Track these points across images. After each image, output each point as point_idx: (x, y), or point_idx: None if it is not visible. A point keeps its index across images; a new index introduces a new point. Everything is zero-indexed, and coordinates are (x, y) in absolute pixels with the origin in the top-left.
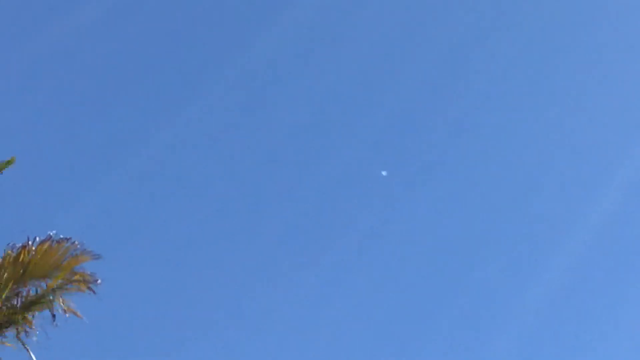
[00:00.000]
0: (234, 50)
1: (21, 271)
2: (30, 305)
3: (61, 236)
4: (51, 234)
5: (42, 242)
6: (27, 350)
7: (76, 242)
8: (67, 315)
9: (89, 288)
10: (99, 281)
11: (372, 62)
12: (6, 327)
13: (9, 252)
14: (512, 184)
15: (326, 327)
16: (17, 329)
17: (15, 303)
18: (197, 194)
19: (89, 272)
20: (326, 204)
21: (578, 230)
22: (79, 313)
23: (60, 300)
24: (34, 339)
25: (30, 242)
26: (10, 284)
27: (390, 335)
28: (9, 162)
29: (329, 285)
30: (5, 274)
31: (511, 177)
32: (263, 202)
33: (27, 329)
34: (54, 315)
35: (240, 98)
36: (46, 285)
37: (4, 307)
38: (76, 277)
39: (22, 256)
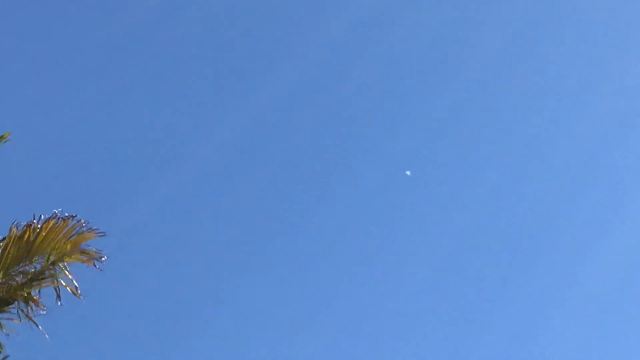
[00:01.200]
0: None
1: (26, 249)
2: (34, 281)
3: (66, 214)
4: (56, 211)
5: (47, 220)
6: (36, 324)
7: (81, 220)
8: (71, 291)
9: (94, 265)
10: (105, 258)
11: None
12: (10, 304)
13: (14, 230)
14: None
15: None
16: (21, 305)
17: (20, 280)
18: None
19: (94, 249)
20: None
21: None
22: (79, 292)
23: (65, 275)
24: (42, 313)
25: (35, 220)
26: (14, 262)
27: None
28: (2, 137)
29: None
30: (10, 252)
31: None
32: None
33: (33, 307)
34: (58, 295)
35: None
36: (51, 262)
37: (9, 284)
38: (82, 254)
39: (27, 234)
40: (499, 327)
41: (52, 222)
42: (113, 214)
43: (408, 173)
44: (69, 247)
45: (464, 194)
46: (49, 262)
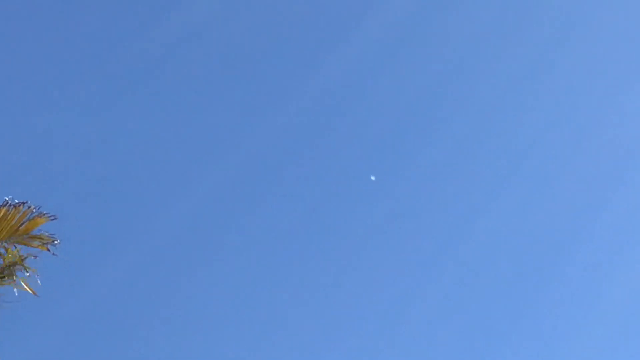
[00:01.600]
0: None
1: None
2: None
3: (16, 201)
4: (7, 199)
5: None
6: None
7: (32, 206)
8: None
9: (47, 250)
10: (58, 242)
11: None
12: None
13: None
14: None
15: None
16: None
17: None
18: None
19: (47, 234)
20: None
21: None
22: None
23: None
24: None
25: None
26: None
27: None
28: None
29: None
30: None
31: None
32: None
33: None
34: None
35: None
36: (5, 252)
37: None
38: (35, 240)
39: None
40: (514, 334)
41: (3, 210)
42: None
43: (373, 178)
44: (22, 233)
45: (479, 202)
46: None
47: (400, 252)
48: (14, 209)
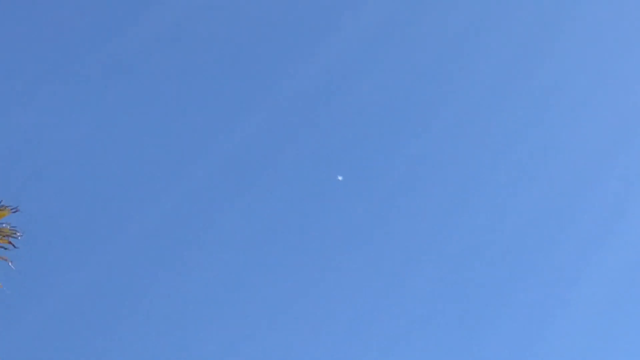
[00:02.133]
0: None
1: None
2: None
3: None
4: None
5: None
6: None
7: None
8: None
9: (9, 242)
10: (20, 234)
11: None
12: None
13: None
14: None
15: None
16: None
17: None
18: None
19: (9, 226)
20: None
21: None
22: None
23: None
24: None
25: None
26: None
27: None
28: None
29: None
30: None
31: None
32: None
33: None
34: None
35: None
36: None
37: None
38: None
39: None
40: (502, 328)
41: None
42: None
43: (340, 178)
44: None
45: (467, 196)
46: None
47: (376, 253)
48: None
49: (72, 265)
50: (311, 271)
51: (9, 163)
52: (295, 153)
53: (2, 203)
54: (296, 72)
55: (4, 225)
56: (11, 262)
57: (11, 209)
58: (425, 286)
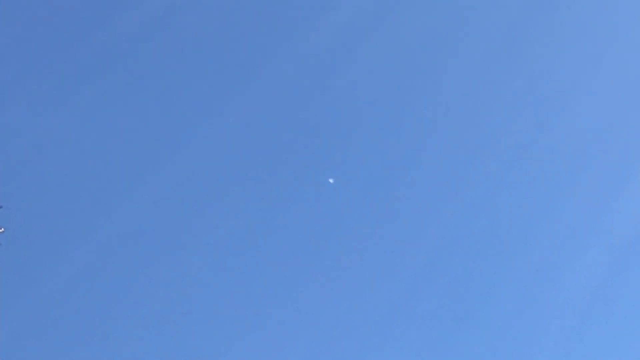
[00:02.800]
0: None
1: None
2: None
3: None
4: None
5: None
6: None
7: None
8: None
9: None
10: (2, 230)
11: None
12: None
13: None
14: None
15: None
16: None
17: None
18: None
19: None
20: None
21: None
22: None
23: None
24: None
25: None
26: None
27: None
28: None
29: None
30: None
31: None
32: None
33: None
34: None
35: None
36: None
37: None
38: None
39: None
40: (485, 324)
41: None
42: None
43: (331, 181)
44: None
45: (451, 194)
46: None
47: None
48: None
49: (54, 261)
50: (297, 266)
51: None
52: (284, 146)
53: None
54: (282, 64)
55: None
56: None
57: None
58: (407, 279)
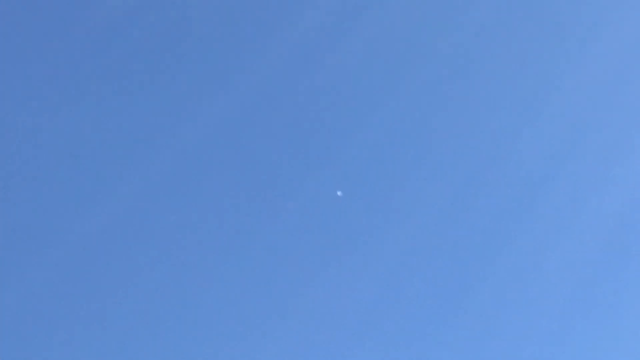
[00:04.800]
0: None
1: None
2: None
3: None
4: None
5: None
6: None
7: None
8: None
9: None
10: None
11: None
12: None
13: None
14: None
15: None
16: None
17: None
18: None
19: None
20: None
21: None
22: None
23: None
24: None
25: None
26: None
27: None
28: None
29: None
30: None
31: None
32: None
33: None
34: None
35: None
36: None
37: None
38: None
39: None
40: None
41: None
42: None
43: (339, 193)
44: None
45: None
46: None
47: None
48: None
49: (51, 261)
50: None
51: None
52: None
53: None
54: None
55: None
56: None
57: None
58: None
